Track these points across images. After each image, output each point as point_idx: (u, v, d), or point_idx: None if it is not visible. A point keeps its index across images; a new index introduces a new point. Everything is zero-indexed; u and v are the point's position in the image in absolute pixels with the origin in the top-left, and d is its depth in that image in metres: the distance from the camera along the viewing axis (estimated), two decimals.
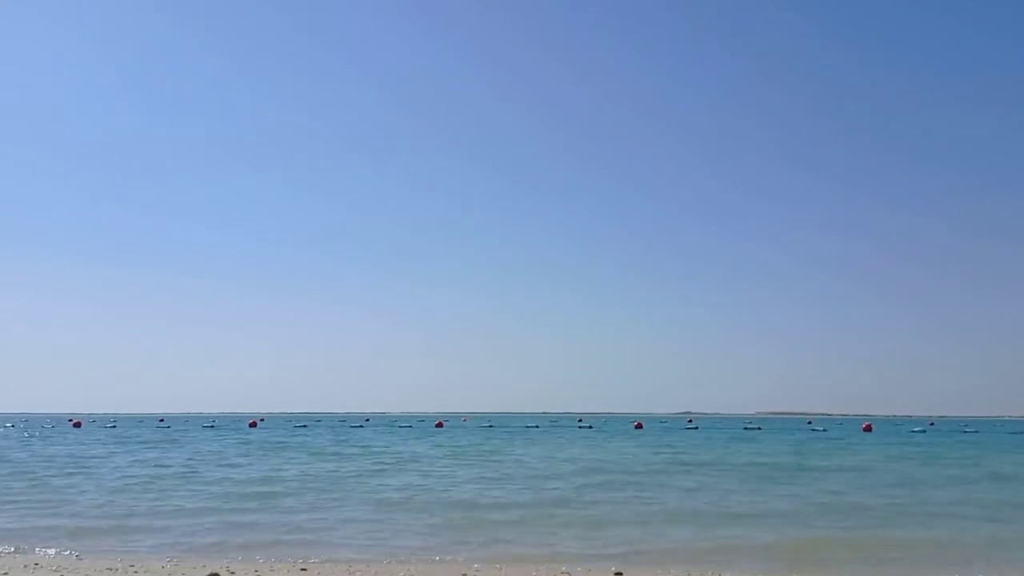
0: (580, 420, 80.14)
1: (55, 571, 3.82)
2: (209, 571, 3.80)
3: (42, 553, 4.61)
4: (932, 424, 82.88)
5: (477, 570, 3.88)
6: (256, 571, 3.87)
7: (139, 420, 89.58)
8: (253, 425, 49.62)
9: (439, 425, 51.94)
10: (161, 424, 60.64)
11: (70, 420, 70.61)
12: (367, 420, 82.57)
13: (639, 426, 51.49)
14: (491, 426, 50.21)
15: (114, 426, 49.34)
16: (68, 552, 4.67)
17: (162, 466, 12.76)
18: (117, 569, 3.93)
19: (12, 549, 4.75)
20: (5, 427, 48.87)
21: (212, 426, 49.68)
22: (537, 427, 47.52)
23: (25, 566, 3.97)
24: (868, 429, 45.17)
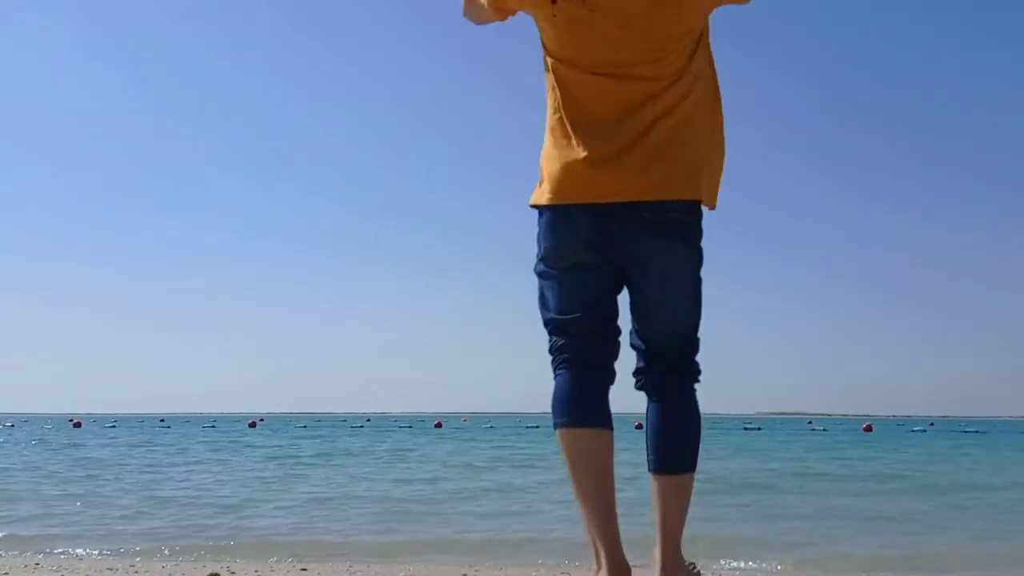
0: None
1: (55, 571, 3.81)
2: (209, 571, 3.79)
3: (42, 553, 4.60)
4: (932, 424, 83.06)
5: (477, 570, 3.87)
6: (256, 571, 3.85)
7: (139, 420, 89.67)
8: (253, 425, 49.69)
9: (438, 425, 51.99)
10: (162, 424, 60.69)
11: (70, 420, 70.66)
12: (368, 420, 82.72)
13: (639, 426, 51.50)
14: (492, 427, 50.20)
15: (114, 426, 49.37)
16: (68, 552, 4.67)
17: (175, 466, 12.74)
18: (117, 569, 3.91)
19: (14, 550, 4.74)
20: (4, 426, 48.87)
21: (213, 426, 49.77)
22: (537, 427, 47.53)
23: (25, 566, 3.96)
24: (868, 429, 45.23)
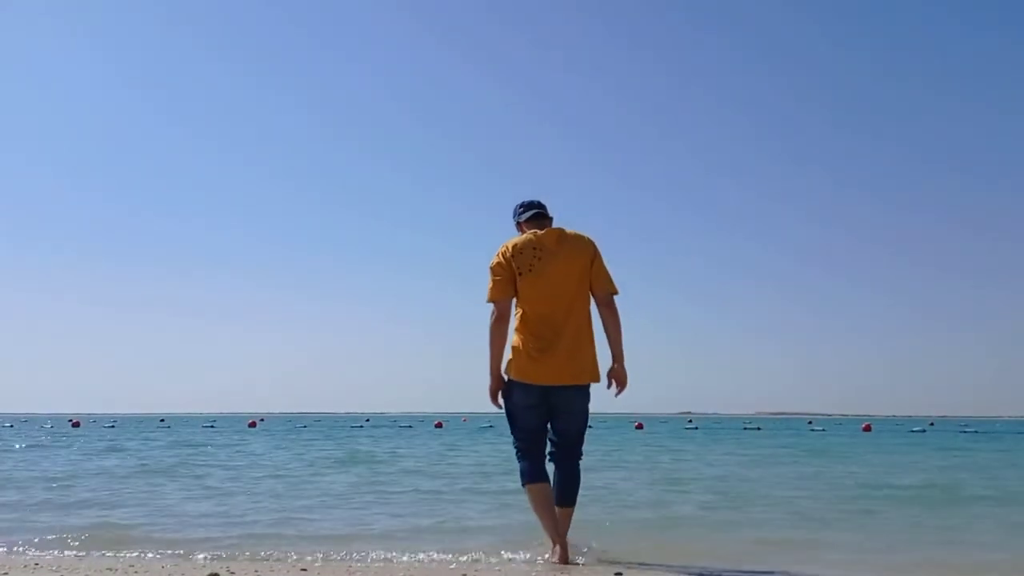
0: None
1: (55, 571, 3.82)
2: (209, 571, 3.80)
3: (42, 553, 4.61)
4: (932, 424, 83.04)
5: (477, 570, 3.88)
6: (256, 571, 3.86)
7: (139, 420, 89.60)
8: (252, 425, 49.66)
9: (438, 425, 51.95)
10: (162, 424, 60.68)
11: (69, 420, 70.62)
12: (367, 420, 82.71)
13: (639, 426, 51.57)
14: (491, 426, 50.19)
15: (113, 426, 49.34)
16: (68, 552, 4.67)
17: (169, 464, 12.74)
18: (117, 569, 3.92)
19: (12, 549, 4.74)
20: (4, 427, 48.84)
21: (212, 426, 49.76)
22: None
23: (25, 566, 3.97)
24: (867, 429, 45.26)
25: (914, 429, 52.68)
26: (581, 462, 4.09)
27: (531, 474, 3.97)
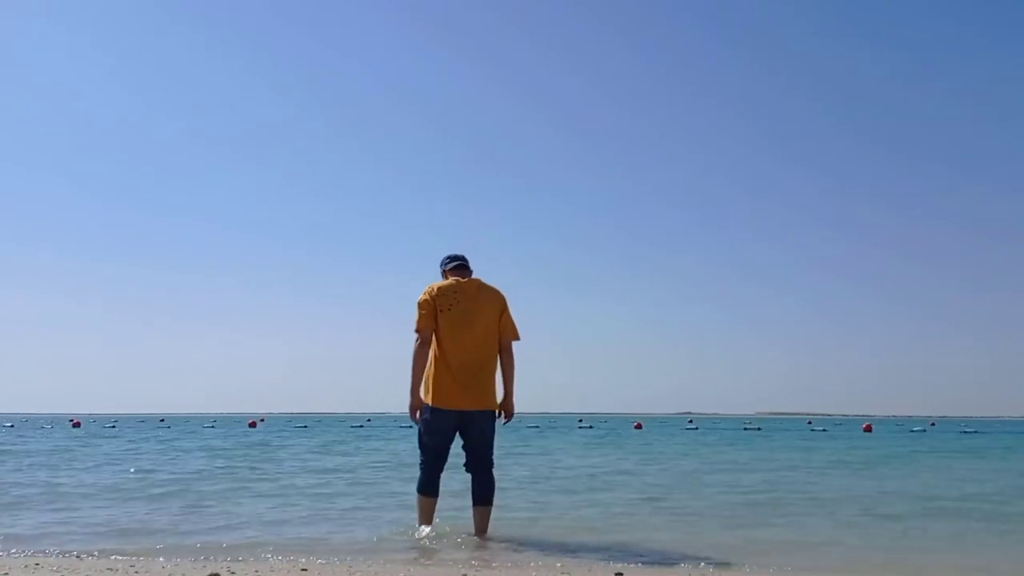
0: (580, 420, 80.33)
1: (55, 571, 3.82)
2: (209, 571, 3.79)
3: (42, 553, 4.60)
4: (933, 424, 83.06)
5: (477, 571, 3.88)
6: (256, 571, 3.86)
7: (140, 420, 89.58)
8: (253, 425, 49.60)
9: None
10: (162, 424, 60.68)
11: (70, 420, 70.61)
12: (368, 420, 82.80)
13: (639, 426, 51.60)
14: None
15: (114, 426, 49.34)
16: (68, 552, 4.66)
17: (170, 465, 12.73)
18: (117, 569, 3.92)
19: (13, 550, 4.73)
20: (4, 427, 48.85)
21: (212, 426, 49.74)
22: (537, 427, 47.60)
23: (25, 566, 3.96)
24: (868, 429, 45.26)
25: (915, 429, 52.66)
26: (494, 470, 4.92)
27: (427, 486, 4.87)
